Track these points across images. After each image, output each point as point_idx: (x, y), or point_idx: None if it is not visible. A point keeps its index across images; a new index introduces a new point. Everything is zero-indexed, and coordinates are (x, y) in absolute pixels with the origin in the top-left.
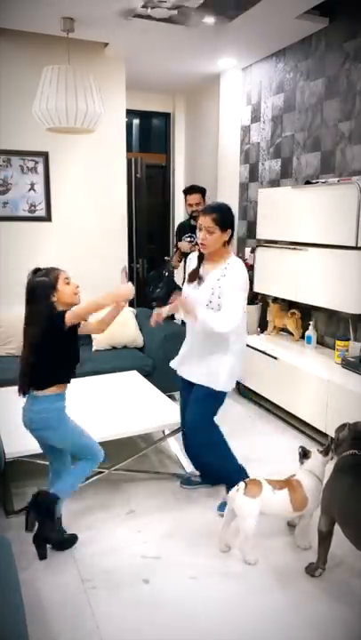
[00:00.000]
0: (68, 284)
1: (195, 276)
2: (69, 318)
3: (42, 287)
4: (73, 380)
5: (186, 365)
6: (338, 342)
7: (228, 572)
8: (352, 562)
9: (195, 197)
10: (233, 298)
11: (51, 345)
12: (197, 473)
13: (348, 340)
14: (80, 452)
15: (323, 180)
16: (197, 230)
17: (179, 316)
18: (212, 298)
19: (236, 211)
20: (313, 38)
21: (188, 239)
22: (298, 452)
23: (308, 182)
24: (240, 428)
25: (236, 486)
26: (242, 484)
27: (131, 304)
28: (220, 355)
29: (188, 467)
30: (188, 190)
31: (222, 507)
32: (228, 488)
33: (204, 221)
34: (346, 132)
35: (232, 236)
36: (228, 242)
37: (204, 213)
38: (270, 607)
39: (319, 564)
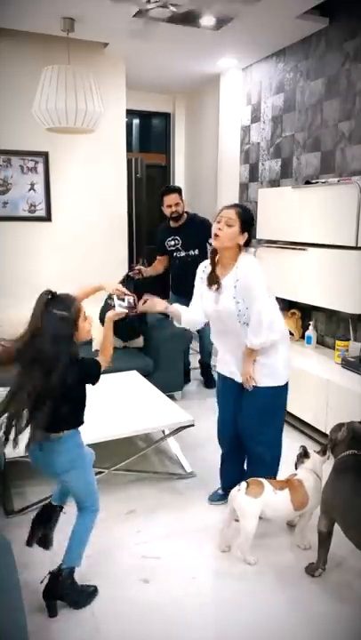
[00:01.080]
0: (86, 319)
1: (213, 281)
2: (103, 368)
3: (64, 325)
4: None
5: (231, 365)
6: (338, 342)
7: (228, 572)
8: (352, 562)
9: (173, 198)
10: (259, 303)
11: (74, 392)
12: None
13: (348, 340)
14: (87, 497)
15: (323, 180)
16: (215, 223)
17: (177, 323)
18: (240, 307)
19: None
20: (313, 38)
21: (173, 242)
22: (298, 452)
23: (308, 182)
24: None
25: (237, 486)
26: (243, 484)
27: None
28: (272, 354)
29: (188, 467)
30: (166, 191)
31: (215, 496)
32: None
33: (227, 213)
34: (346, 131)
35: (249, 242)
36: (246, 245)
37: (228, 207)
38: (270, 607)
39: (319, 564)
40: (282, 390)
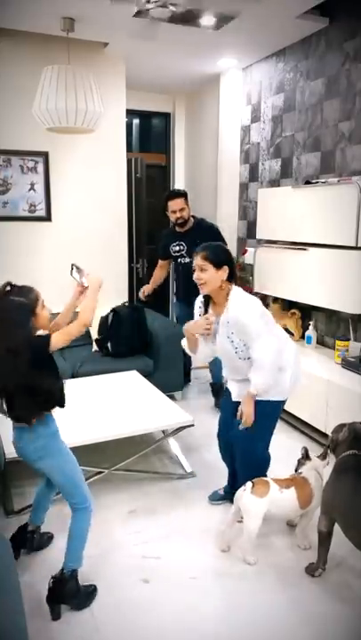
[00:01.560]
0: (44, 307)
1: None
2: (58, 342)
3: (20, 311)
4: (74, 380)
5: (233, 386)
6: (338, 342)
7: (228, 572)
8: (352, 562)
9: (178, 202)
10: (254, 331)
11: (37, 376)
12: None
13: (348, 340)
14: (76, 494)
15: (323, 180)
16: (193, 268)
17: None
18: (236, 345)
19: (235, 211)
20: (313, 38)
21: (177, 248)
22: (301, 453)
23: (308, 182)
24: None
25: (243, 486)
26: (249, 484)
27: (130, 302)
28: (278, 374)
29: (188, 467)
30: (170, 196)
31: (215, 496)
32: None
33: (197, 260)
34: (346, 131)
35: (233, 273)
36: (231, 280)
37: (196, 254)
38: (270, 607)
39: (319, 564)
40: (280, 404)
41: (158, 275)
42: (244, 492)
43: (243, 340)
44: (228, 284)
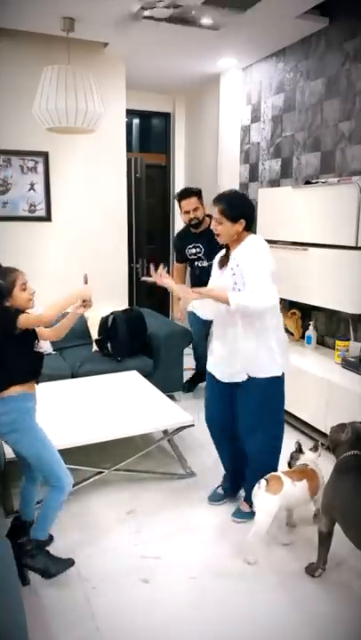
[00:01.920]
0: (24, 289)
1: (223, 263)
2: (23, 323)
3: None
4: (74, 380)
5: (225, 368)
6: (338, 342)
7: (228, 572)
8: (353, 562)
9: (191, 202)
10: (256, 271)
11: (3, 347)
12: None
13: (348, 340)
14: (46, 473)
15: (323, 180)
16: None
17: (202, 313)
18: (236, 279)
19: None
20: (313, 38)
21: (194, 250)
22: (295, 447)
23: (308, 182)
24: None
25: (257, 484)
26: (263, 482)
27: (130, 305)
28: (263, 342)
29: (188, 467)
30: (183, 195)
31: (214, 496)
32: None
33: (213, 211)
34: (346, 131)
35: (250, 223)
36: (248, 229)
37: (213, 203)
38: (270, 607)
39: (320, 564)
40: (278, 381)
41: (176, 281)
42: (259, 490)
43: (245, 282)
44: (246, 233)
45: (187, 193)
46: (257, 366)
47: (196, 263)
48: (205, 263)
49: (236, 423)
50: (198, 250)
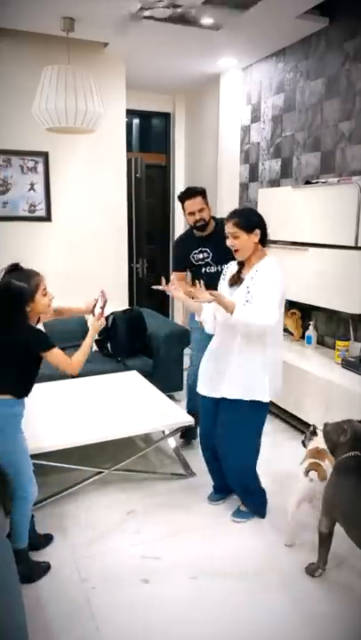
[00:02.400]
0: (45, 294)
1: (235, 281)
2: (50, 358)
3: (19, 294)
4: (74, 381)
5: (215, 383)
6: (338, 342)
7: (228, 572)
8: (353, 562)
9: (196, 202)
10: (267, 290)
11: (15, 358)
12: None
13: (348, 340)
14: (14, 478)
15: (323, 180)
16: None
17: (208, 327)
18: (248, 297)
19: None
20: (313, 38)
21: (201, 255)
22: (310, 429)
23: (308, 182)
24: None
25: (308, 476)
26: (314, 473)
27: (131, 305)
28: (259, 362)
29: (188, 467)
30: (186, 195)
31: (213, 497)
32: (250, 505)
33: (228, 228)
34: (346, 131)
35: (264, 235)
36: (263, 243)
37: (226, 221)
38: (270, 607)
39: (320, 564)
40: (261, 408)
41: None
42: (311, 482)
43: (255, 296)
44: (263, 252)
45: (190, 192)
46: (243, 386)
47: (203, 269)
48: (214, 269)
49: (215, 440)
50: (206, 255)
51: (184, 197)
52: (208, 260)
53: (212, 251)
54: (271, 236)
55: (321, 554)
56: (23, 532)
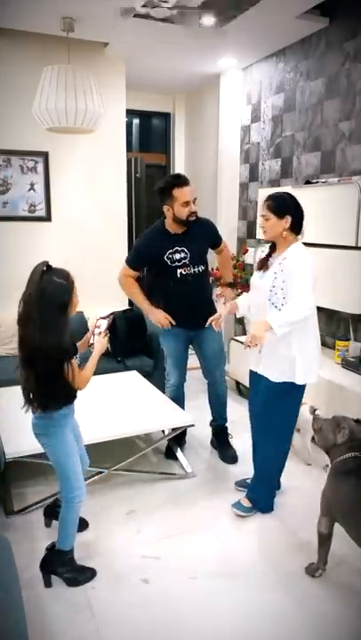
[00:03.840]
0: (76, 294)
1: (263, 265)
2: (68, 369)
3: (60, 292)
4: None
5: (258, 358)
6: (338, 342)
7: (228, 572)
8: (353, 561)
9: (194, 190)
10: (299, 278)
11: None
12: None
13: (348, 340)
14: (60, 477)
15: (323, 180)
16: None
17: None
18: (276, 282)
19: (236, 211)
20: (313, 38)
21: (179, 256)
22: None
23: (308, 182)
24: (240, 428)
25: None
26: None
27: (130, 305)
28: (295, 345)
29: (188, 467)
30: (181, 180)
31: (238, 505)
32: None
33: (261, 209)
34: (346, 131)
35: (298, 226)
36: (294, 230)
37: (263, 202)
38: (271, 607)
39: (320, 564)
40: (293, 390)
41: (136, 287)
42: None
43: (284, 288)
44: (294, 238)
45: (185, 180)
46: (277, 368)
47: (179, 271)
48: (190, 270)
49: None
50: (184, 255)
51: (179, 183)
52: (185, 260)
53: (189, 250)
54: None
55: (321, 554)
56: (67, 535)
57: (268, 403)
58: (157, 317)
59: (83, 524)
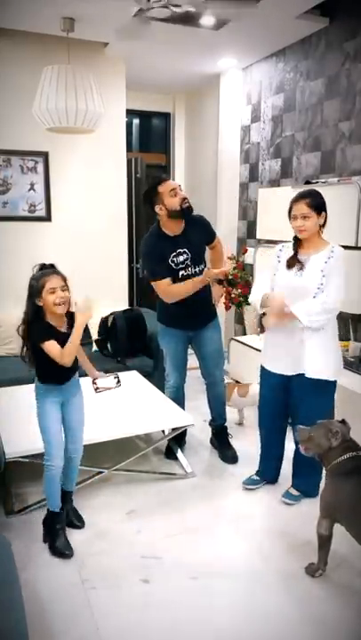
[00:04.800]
0: (52, 292)
1: (294, 263)
2: (45, 347)
3: (31, 289)
4: None
5: (286, 360)
6: None
7: (229, 573)
8: (353, 561)
9: (174, 182)
10: (338, 275)
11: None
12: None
13: (348, 340)
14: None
15: (323, 180)
16: (291, 220)
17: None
18: (324, 280)
19: (236, 211)
20: (313, 38)
21: (182, 258)
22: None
23: (308, 182)
24: (240, 428)
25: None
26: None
27: (131, 305)
28: (326, 343)
29: (188, 467)
30: (162, 179)
31: (288, 495)
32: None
33: (299, 209)
34: (346, 131)
35: (325, 220)
36: (323, 226)
37: (296, 201)
38: (271, 607)
39: (320, 565)
40: (328, 386)
41: (176, 285)
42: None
43: (325, 284)
44: (324, 240)
45: (165, 177)
46: (313, 364)
47: (181, 273)
48: (192, 270)
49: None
50: (186, 256)
51: (163, 180)
52: (188, 261)
53: (190, 250)
54: (271, 235)
55: (321, 556)
56: (49, 496)
57: (314, 398)
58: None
59: (79, 520)
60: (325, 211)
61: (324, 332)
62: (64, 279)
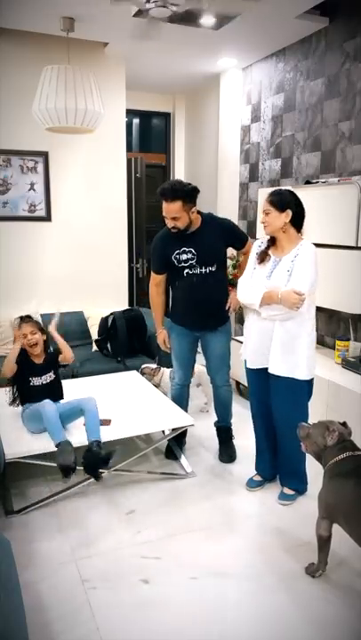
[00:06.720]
0: (24, 337)
1: (264, 257)
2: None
3: (14, 337)
4: (74, 380)
5: (265, 357)
6: (338, 342)
7: (229, 573)
8: (353, 562)
9: (172, 209)
10: (305, 267)
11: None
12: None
13: (348, 340)
14: None
15: (323, 180)
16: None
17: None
18: (290, 279)
19: (236, 210)
20: (313, 38)
21: (185, 257)
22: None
23: (308, 182)
24: (240, 428)
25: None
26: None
27: (131, 305)
28: (302, 343)
29: (188, 467)
30: (163, 196)
31: (283, 495)
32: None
33: (263, 205)
34: (346, 131)
35: (299, 219)
36: (296, 226)
37: (266, 198)
38: (271, 607)
39: (320, 565)
40: (302, 385)
41: (159, 301)
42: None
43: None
44: (293, 230)
45: (169, 195)
46: (296, 366)
47: (185, 271)
48: (198, 270)
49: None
50: (191, 255)
51: (162, 196)
52: (193, 261)
53: (196, 251)
54: None
55: (321, 556)
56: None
57: (293, 399)
58: (159, 338)
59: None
60: (291, 209)
61: (297, 329)
62: (36, 324)
